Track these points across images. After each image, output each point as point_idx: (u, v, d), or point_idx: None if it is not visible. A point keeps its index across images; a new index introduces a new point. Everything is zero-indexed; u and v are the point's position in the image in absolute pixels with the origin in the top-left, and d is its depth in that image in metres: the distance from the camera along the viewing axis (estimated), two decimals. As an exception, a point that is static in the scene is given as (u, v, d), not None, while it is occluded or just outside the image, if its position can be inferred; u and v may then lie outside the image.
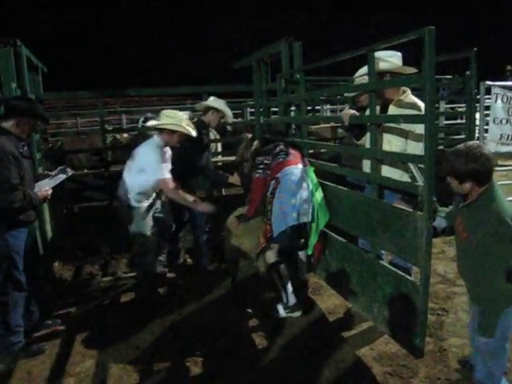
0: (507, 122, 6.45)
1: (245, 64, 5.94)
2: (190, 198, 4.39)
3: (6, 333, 3.52)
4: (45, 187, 3.69)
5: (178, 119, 4.16)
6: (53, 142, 7.74)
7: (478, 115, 6.63)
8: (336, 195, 4.00)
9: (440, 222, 2.99)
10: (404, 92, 3.57)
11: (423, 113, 3.00)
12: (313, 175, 4.09)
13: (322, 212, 3.97)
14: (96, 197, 5.81)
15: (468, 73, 6.16)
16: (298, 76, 4.70)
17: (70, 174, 3.96)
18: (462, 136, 7.05)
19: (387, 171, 3.50)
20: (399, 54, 3.61)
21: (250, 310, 4.20)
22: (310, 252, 4.07)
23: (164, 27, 31.51)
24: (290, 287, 4.03)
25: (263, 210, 4.05)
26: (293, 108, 5.29)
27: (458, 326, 3.75)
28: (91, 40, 29.01)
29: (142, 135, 8.54)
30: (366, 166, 3.73)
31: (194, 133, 4.28)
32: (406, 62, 3.63)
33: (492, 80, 6.70)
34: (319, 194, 4.01)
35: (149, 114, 14.75)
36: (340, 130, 7.42)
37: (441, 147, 7.07)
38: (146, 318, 4.10)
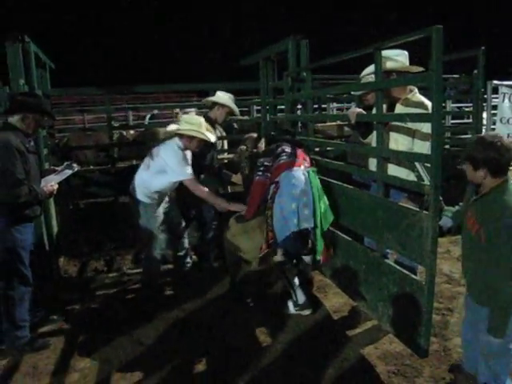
0: (514, 121, 6.43)
1: (252, 62, 5.93)
2: (217, 197, 4.43)
3: (12, 327, 3.54)
4: (51, 182, 3.71)
5: (198, 125, 4.22)
6: (59, 138, 7.77)
7: (485, 115, 6.60)
8: (342, 194, 3.99)
9: (446, 222, 2.98)
10: (411, 91, 3.56)
11: (430, 112, 2.99)
12: (316, 179, 3.91)
13: (325, 218, 3.83)
14: (102, 193, 5.83)
15: (475, 72, 6.13)
16: (304, 74, 4.70)
17: (76, 169, 3.98)
18: (469, 135, 7.02)
19: (393, 170, 3.50)
20: (406, 52, 3.59)
21: (251, 304, 4.22)
22: (318, 257, 3.89)
23: (164, 27, 31.57)
24: (298, 286, 4.04)
25: (263, 210, 3.97)
26: (299, 106, 5.28)
27: (463, 326, 3.74)
28: (91, 40, 29.11)
29: (149, 132, 8.61)
30: (372, 164, 3.72)
31: (212, 138, 4.34)
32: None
33: (499, 79, 6.67)
34: (323, 201, 3.85)
35: (155, 111, 14.86)
36: (346, 129, 7.42)
37: (447, 146, 7.06)
38: (150, 314, 4.11)
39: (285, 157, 3.93)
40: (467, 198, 2.73)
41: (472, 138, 2.70)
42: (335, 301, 4.28)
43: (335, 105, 13.42)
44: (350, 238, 4.00)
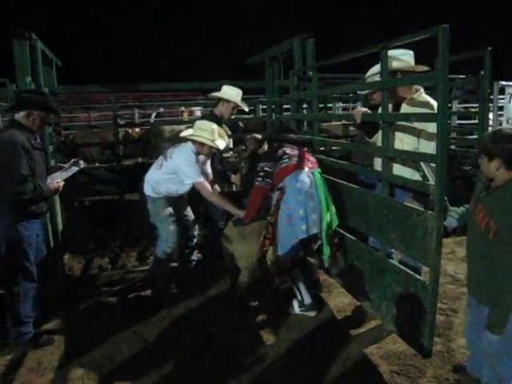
0: (521, 122, 6.40)
1: (258, 60, 5.93)
2: (228, 202, 4.36)
3: (16, 323, 3.55)
4: (57, 179, 3.72)
5: (210, 132, 4.24)
6: (65, 135, 7.80)
7: (491, 115, 6.56)
8: (347, 193, 3.99)
9: (451, 222, 2.95)
10: (417, 90, 3.54)
11: (436, 111, 2.98)
12: (321, 180, 3.82)
13: (332, 221, 3.77)
14: (107, 190, 5.85)
15: (482, 72, 6.10)
16: (310, 73, 4.69)
17: (82, 166, 3.99)
18: (475, 136, 6.99)
19: (399, 170, 3.49)
20: (411, 52, 3.58)
21: (254, 303, 4.21)
22: (326, 258, 3.84)
23: (164, 27, 31.61)
24: (303, 288, 4.02)
25: (263, 215, 3.91)
26: (305, 105, 5.27)
27: (467, 326, 3.73)
28: (91, 40, 29.19)
29: (154, 129, 8.63)
30: (378, 164, 3.72)
31: (222, 146, 4.33)
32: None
33: (506, 80, 6.64)
34: (329, 204, 3.77)
35: (161, 109, 14.88)
36: (352, 128, 7.41)
37: (453, 147, 7.03)
38: (154, 312, 4.13)
39: (286, 159, 3.81)
40: (476, 195, 2.71)
41: (480, 137, 2.69)
42: (339, 300, 4.28)
43: (341, 104, 13.39)
44: (354, 238, 3.99)
